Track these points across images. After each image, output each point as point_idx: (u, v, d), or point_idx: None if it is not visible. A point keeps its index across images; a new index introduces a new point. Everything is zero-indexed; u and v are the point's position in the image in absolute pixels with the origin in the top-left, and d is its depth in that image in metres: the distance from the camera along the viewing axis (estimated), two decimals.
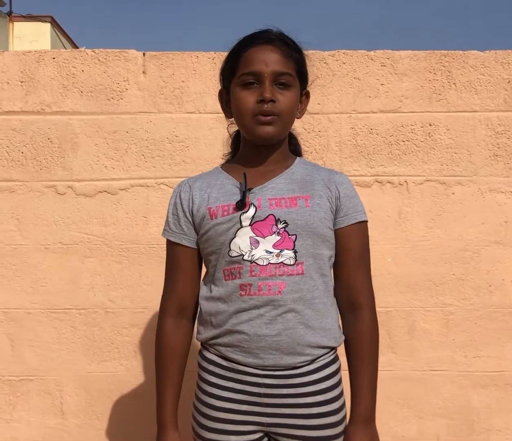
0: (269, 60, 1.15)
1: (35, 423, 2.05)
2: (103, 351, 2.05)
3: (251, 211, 1.17)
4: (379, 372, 1.83)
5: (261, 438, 1.21)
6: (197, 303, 1.28)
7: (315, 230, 1.17)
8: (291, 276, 1.15)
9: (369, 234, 1.94)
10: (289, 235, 1.16)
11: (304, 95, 1.29)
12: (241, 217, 1.17)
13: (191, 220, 1.24)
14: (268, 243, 1.15)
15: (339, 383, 1.23)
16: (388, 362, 2.03)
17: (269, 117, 1.15)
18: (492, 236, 2.03)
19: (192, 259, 1.26)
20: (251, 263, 1.15)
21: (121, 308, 2.05)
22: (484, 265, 2.03)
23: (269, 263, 1.15)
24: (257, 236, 1.16)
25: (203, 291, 1.26)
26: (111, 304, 2.05)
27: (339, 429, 1.19)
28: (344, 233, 1.22)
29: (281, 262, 1.15)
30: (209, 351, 1.24)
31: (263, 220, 1.16)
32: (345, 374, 1.23)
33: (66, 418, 2.05)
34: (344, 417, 1.22)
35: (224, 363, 1.20)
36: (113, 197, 2.05)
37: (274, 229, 1.16)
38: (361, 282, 1.23)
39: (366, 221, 1.28)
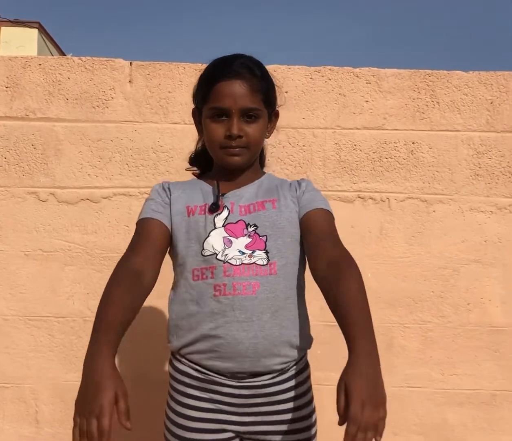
0: (237, 96, 1.34)
1: (9, 431, 2.29)
2: (80, 360, 2.27)
3: (225, 213, 1.34)
4: None
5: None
6: (151, 285, 1.31)
7: (283, 229, 1.36)
8: (264, 276, 1.32)
9: (350, 248, 2.23)
10: (259, 236, 1.35)
11: (273, 115, 1.49)
12: (215, 218, 1.36)
13: (169, 208, 1.39)
14: (241, 243, 1.33)
15: (309, 389, 1.40)
16: None
17: (237, 150, 1.37)
18: (471, 255, 2.33)
19: (163, 237, 1.35)
20: (224, 263, 1.31)
21: None
22: (463, 283, 2.33)
23: (242, 263, 1.31)
24: (230, 236, 1.34)
25: (172, 296, 1.41)
26: (90, 313, 2.30)
27: (311, 432, 1.37)
28: (308, 215, 1.38)
29: (254, 263, 1.32)
30: (181, 362, 1.35)
31: (235, 223, 1.36)
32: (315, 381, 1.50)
33: (40, 427, 2.30)
34: (315, 422, 1.41)
35: (199, 374, 1.32)
36: (95, 205, 2.31)
37: (245, 231, 1.35)
38: (338, 249, 1.34)
39: (331, 212, 1.43)
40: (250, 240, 1.34)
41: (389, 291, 2.31)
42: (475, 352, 2.31)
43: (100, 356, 1.11)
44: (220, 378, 1.30)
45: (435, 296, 2.32)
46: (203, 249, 1.33)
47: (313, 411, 1.42)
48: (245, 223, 1.36)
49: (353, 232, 2.32)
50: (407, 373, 2.30)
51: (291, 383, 1.35)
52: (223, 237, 1.34)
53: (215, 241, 1.33)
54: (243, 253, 1.32)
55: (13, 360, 2.28)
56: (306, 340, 1.40)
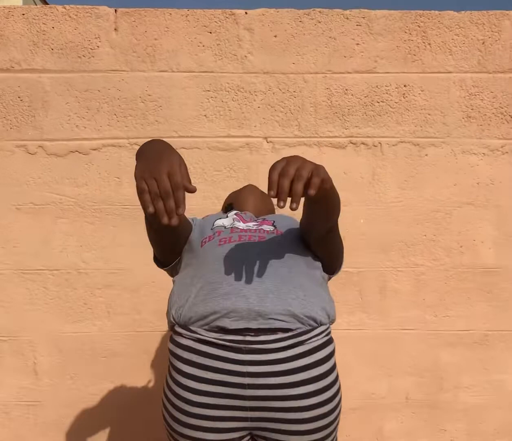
0: None
1: (8, 383, 2.39)
2: (76, 312, 2.39)
3: (234, 211, 1.59)
4: (350, 331, 2.21)
5: (243, 437, 1.25)
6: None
7: (290, 226, 1.50)
8: (270, 233, 1.41)
9: (343, 195, 2.29)
10: (267, 220, 1.54)
11: None
12: (227, 213, 1.57)
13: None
14: (249, 224, 1.51)
15: (333, 368, 1.27)
16: (359, 321, 2.40)
17: None
18: (464, 197, 2.39)
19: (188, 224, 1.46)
20: (231, 227, 1.45)
21: (94, 269, 2.38)
22: (455, 226, 2.40)
23: (248, 228, 1.45)
24: (239, 220, 1.52)
25: (176, 278, 1.41)
26: (84, 265, 2.38)
27: (333, 416, 1.25)
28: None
29: (261, 228, 1.46)
30: (184, 337, 1.26)
31: (244, 215, 1.58)
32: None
33: (39, 378, 2.39)
34: (339, 402, 1.28)
35: (203, 348, 1.22)
36: (85, 157, 2.36)
37: (254, 219, 1.56)
38: None
39: None
40: (258, 222, 1.52)
41: (382, 235, 2.38)
42: (468, 294, 2.39)
43: (159, 140, 1.17)
44: (225, 353, 1.21)
45: (428, 239, 2.38)
46: (213, 226, 1.47)
47: (337, 393, 1.28)
48: (253, 217, 1.58)
49: (345, 178, 2.37)
50: (400, 316, 2.39)
51: (310, 359, 1.23)
52: (233, 218, 1.51)
53: (225, 221, 1.50)
54: (251, 228, 1.46)
55: (9, 314, 2.36)
56: (323, 311, 1.30)
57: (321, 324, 1.29)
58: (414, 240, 2.38)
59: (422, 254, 2.38)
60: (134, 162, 2.32)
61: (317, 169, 1.05)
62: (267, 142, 2.34)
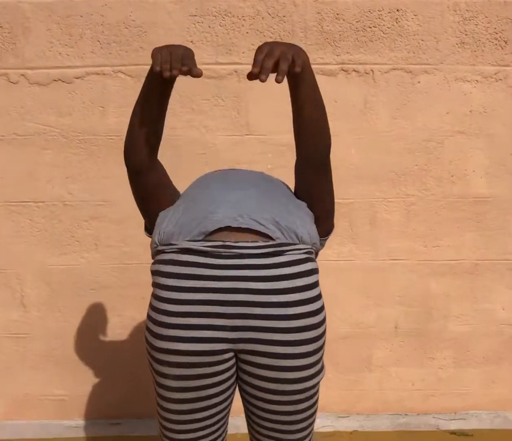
0: None
1: None
2: (63, 244, 2.39)
3: None
4: (340, 261, 2.21)
5: (225, 353, 1.21)
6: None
7: None
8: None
9: (334, 124, 2.26)
10: None
11: None
12: None
13: None
14: None
15: (318, 292, 1.26)
16: (349, 252, 2.42)
17: None
18: (456, 126, 2.38)
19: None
20: None
21: (81, 201, 2.36)
22: (447, 155, 2.39)
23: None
24: None
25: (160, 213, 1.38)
26: (70, 197, 2.36)
27: (320, 330, 1.23)
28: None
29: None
30: (166, 252, 1.26)
31: None
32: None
33: (27, 311, 2.41)
34: (324, 319, 1.26)
35: (184, 257, 1.22)
36: (68, 86, 2.31)
37: None
38: None
39: None
40: None
41: (373, 166, 2.37)
42: (458, 224, 2.40)
43: None
44: (206, 259, 1.21)
45: (419, 169, 2.38)
46: None
47: (322, 308, 1.27)
48: None
49: (336, 106, 2.35)
50: (390, 246, 2.41)
51: (293, 269, 1.22)
52: None
53: None
54: None
55: None
56: (297, 227, 1.29)
57: (302, 242, 1.27)
58: (405, 169, 2.38)
59: (413, 184, 2.38)
60: (119, 91, 2.29)
61: (300, 53, 1.14)
62: None
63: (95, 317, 2.40)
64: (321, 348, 1.26)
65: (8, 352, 2.41)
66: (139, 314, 2.39)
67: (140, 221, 2.30)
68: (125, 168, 2.06)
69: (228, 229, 1.24)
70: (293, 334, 1.18)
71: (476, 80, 2.34)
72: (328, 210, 1.42)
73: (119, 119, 2.31)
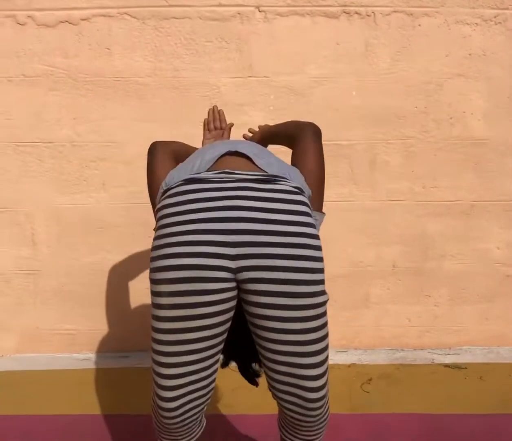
0: None
1: (8, 254, 2.51)
2: (72, 184, 2.48)
3: None
4: (340, 202, 2.31)
5: (222, 269, 1.23)
6: None
7: None
8: None
9: (335, 67, 2.35)
10: None
11: None
12: None
13: None
14: None
15: (309, 215, 1.30)
16: (349, 193, 2.51)
17: None
18: (455, 68, 2.44)
19: None
20: None
21: (88, 142, 2.45)
22: (446, 98, 2.46)
23: None
24: None
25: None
26: (78, 138, 2.44)
27: (319, 253, 1.28)
28: None
29: None
30: (172, 188, 1.32)
31: None
32: None
33: (37, 248, 2.52)
34: (321, 247, 1.30)
35: (188, 186, 1.29)
36: (75, 27, 2.38)
37: None
38: None
39: None
40: None
41: (373, 108, 2.45)
42: (456, 165, 2.49)
43: None
44: (212, 175, 1.30)
45: (419, 111, 2.46)
46: None
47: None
48: None
49: (338, 49, 2.41)
50: (389, 187, 2.50)
51: (290, 196, 1.30)
52: None
53: None
54: None
55: (6, 186, 2.45)
56: (292, 177, 1.37)
57: (297, 188, 1.33)
58: (405, 112, 2.45)
59: (413, 126, 2.46)
60: (125, 33, 2.36)
61: None
62: (259, 11, 2.37)
63: (103, 255, 2.50)
64: (322, 270, 1.30)
65: (19, 288, 2.52)
66: (145, 252, 2.49)
67: (145, 162, 2.39)
68: (131, 109, 2.18)
69: (227, 159, 1.35)
70: (295, 249, 1.24)
71: (476, 23, 2.40)
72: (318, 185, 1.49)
73: (124, 61, 2.38)
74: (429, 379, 2.33)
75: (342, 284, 2.54)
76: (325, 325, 1.30)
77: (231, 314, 1.31)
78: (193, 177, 1.31)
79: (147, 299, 2.41)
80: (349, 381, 2.31)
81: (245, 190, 1.27)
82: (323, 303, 1.30)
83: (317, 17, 2.38)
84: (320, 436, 1.40)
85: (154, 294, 1.29)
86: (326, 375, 1.31)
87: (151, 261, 1.30)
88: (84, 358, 2.54)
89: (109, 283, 2.52)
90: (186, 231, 1.24)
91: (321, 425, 1.36)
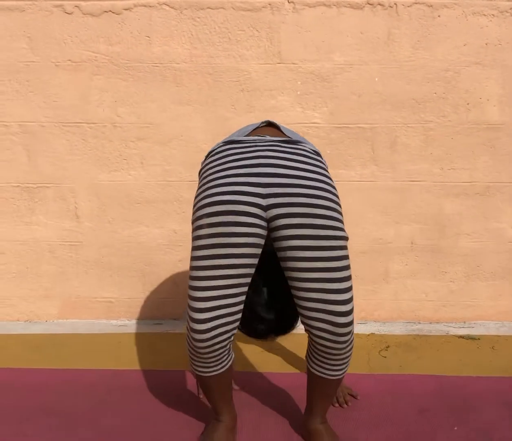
0: None
1: (52, 226, 2.74)
2: (112, 162, 2.70)
3: None
4: (361, 182, 2.50)
5: (256, 205, 1.48)
6: None
7: None
8: None
9: (359, 54, 2.54)
10: None
11: None
12: None
13: None
14: None
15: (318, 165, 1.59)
16: (371, 173, 2.69)
17: None
18: (472, 57, 2.61)
19: None
20: None
21: (128, 123, 2.66)
22: (463, 84, 2.63)
23: None
24: None
25: None
26: (119, 119, 2.66)
27: (337, 200, 1.56)
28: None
29: None
30: (212, 152, 1.63)
31: None
32: None
33: (80, 222, 2.74)
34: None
35: (227, 146, 1.58)
36: (117, 17, 2.59)
37: None
38: None
39: None
40: None
41: (395, 93, 2.63)
42: (472, 148, 2.66)
43: None
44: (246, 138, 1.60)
45: (437, 97, 2.63)
46: None
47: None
48: None
49: (362, 38, 2.60)
50: (409, 168, 2.67)
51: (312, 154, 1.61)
52: None
53: None
54: None
55: (52, 163, 2.67)
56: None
57: (315, 151, 1.64)
58: (424, 97, 2.62)
59: (432, 111, 2.63)
60: (163, 22, 2.56)
61: None
62: (289, 2, 2.56)
63: (140, 228, 2.72)
64: (339, 210, 1.55)
65: (62, 258, 2.75)
66: (179, 226, 2.70)
67: (180, 142, 2.60)
68: (169, 93, 2.38)
69: (260, 129, 1.69)
70: (313, 190, 1.50)
71: (492, 15, 2.57)
72: None
73: (163, 48, 2.59)
74: (444, 348, 2.50)
75: (363, 260, 2.72)
76: (347, 257, 1.54)
77: (259, 250, 1.53)
78: (231, 139, 1.59)
79: (179, 270, 2.63)
80: (368, 347, 2.50)
81: (273, 147, 1.54)
82: (343, 237, 1.53)
83: (342, 8, 2.56)
84: (345, 366, 1.60)
85: (196, 229, 1.54)
86: (352, 303, 1.55)
87: (194, 207, 1.56)
88: (121, 324, 2.76)
89: (145, 254, 2.73)
90: (225, 175, 1.51)
91: (347, 353, 1.56)
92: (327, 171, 1.59)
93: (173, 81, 2.60)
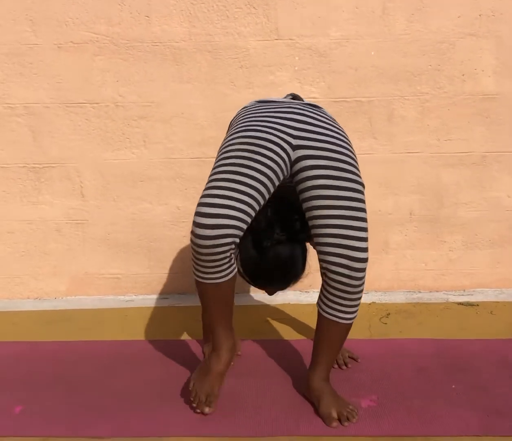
0: None
1: (59, 205, 2.81)
2: (116, 141, 2.76)
3: None
4: (360, 155, 2.56)
5: (284, 141, 1.63)
6: None
7: None
8: None
9: (355, 29, 2.59)
10: None
11: None
12: None
13: None
14: None
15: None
16: (369, 146, 2.75)
17: None
18: (466, 28, 2.66)
19: None
20: None
21: (130, 102, 2.73)
22: (458, 56, 2.68)
23: None
24: None
25: None
26: (121, 98, 2.72)
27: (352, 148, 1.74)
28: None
29: None
30: (247, 107, 1.83)
31: None
32: None
33: (86, 200, 2.81)
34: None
35: (260, 103, 1.79)
36: None
37: None
38: None
39: None
40: None
41: (391, 66, 2.68)
42: (468, 119, 2.71)
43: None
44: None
45: (433, 69, 2.68)
46: None
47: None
48: None
49: (357, 12, 2.65)
50: (406, 140, 2.73)
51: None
52: None
53: None
54: None
55: (57, 143, 2.75)
56: None
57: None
58: (420, 70, 2.68)
59: (427, 82, 2.69)
60: (162, 2, 2.62)
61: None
62: None
63: (144, 205, 2.79)
64: (358, 165, 1.72)
65: (69, 236, 2.82)
66: (182, 202, 2.77)
67: (181, 120, 2.66)
68: (169, 72, 2.45)
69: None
70: (339, 141, 1.68)
71: None
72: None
73: (162, 27, 2.65)
74: (443, 314, 2.57)
75: None
76: (364, 202, 1.68)
77: (277, 181, 1.65)
78: (264, 99, 1.81)
79: (183, 245, 2.70)
80: (369, 315, 2.56)
81: (303, 106, 1.74)
82: (362, 184, 1.68)
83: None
84: (356, 309, 1.72)
85: (225, 146, 1.67)
86: (368, 243, 1.66)
87: (221, 146, 1.71)
88: (128, 299, 2.84)
89: (150, 231, 2.80)
90: (259, 117, 1.70)
91: (359, 294, 1.68)
92: (346, 134, 1.77)
93: (172, 60, 2.67)
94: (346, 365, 2.05)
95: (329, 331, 1.74)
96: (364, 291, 2.55)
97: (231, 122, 1.85)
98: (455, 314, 2.57)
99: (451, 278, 2.83)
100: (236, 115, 1.82)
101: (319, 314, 1.76)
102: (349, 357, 2.09)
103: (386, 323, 2.49)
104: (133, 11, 2.64)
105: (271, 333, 2.39)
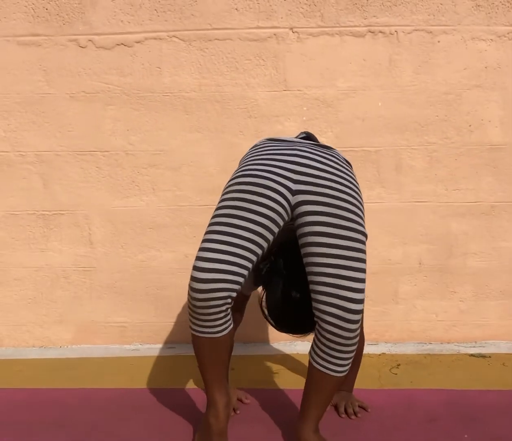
0: None
1: (67, 252, 2.83)
2: (125, 189, 2.80)
3: None
4: (368, 204, 2.58)
5: (282, 186, 1.63)
6: None
7: None
8: None
9: (362, 81, 2.65)
10: None
11: None
12: None
13: None
14: None
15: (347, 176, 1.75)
16: (377, 195, 2.77)
17: None
18: (473, 80, 2.71)
19: None
20: None
21: (140, 151, 2.77)
22: (465, 107, 2.73)
23: None
24: None
25: None
26: (131, 147, 2.77)
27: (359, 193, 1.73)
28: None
29: None
30: (257, 144, 1.85)
31: None
32: None
33: (94, 247, 2.83)
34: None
35: (268, 142, 1.81)
36: (129, 49, 2.73)
37: None
38: None
39: None
40: None
41: (398, 117, 2.72)
42: (476, 169, 2.74)
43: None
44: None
45: (440, 119, 2.72)
46: None
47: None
48: None
49: (364, 64, 2.71)
50: (414, 190, 2.75)
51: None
52: None
53: None
54: None
55: (66, 190, 2.78)
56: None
57: (346, 160, 1.85)
58: (427, 120, 2.72)
59: (435, 133, 2.72)
60: (173, 54, 2.69)
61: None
62: (293, 32, 2.69)
63: (152, 253, 2.80)
64: (362, 213, 1.71)
65: (76, 284, 2.83)
66: (191, 250, 2.78)
67: (190, 169, 2.70)
68: (179, 121, 2.51)
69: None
70: (342, 187, 1.65)
71: (491, 39, 2.68)
72: None
73: (173, 78, 2.72)
74: (455, 365, 2.54)
75: (372, 281, 2.77)
76: (364, 252, 1.65)
77: (276, 229, 1.64)
78: (274, 137, 1.83)
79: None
80: (379, 366, 2.53)
81: (310, 147, 1.73)
82: (363, 233, 1.65)
83: (345, 36, 2.69)
84: (347, 364, 1.66)
85: (225, 193, 1.71)
86: (364, 295, 1.64)
87: (225, 185, 1.76)
88: (134, 348, 2.82)
89: (157, 279, 2.81)
90: (262, 158, 1.70)
91: (352, 347, 1.63)
92: (354, 178, 1.74)
93: (183, 110, 2.72)
94: (355, 414, 2.01)
95: (320, 383, 1.71)
96: (374, 342, 2.54)
97: (241, 159, 1.88)
98: (466, 365, 2.54)
99: (462, 329, 2.81)
100: (246, 153, 1.86)
101: (310, 364, 1.74)
102: (359, 406, 2.06)
103: (396, 374, 2.45)
104: (144, 62, 2.72)
105: (272, 383, 2.36)
